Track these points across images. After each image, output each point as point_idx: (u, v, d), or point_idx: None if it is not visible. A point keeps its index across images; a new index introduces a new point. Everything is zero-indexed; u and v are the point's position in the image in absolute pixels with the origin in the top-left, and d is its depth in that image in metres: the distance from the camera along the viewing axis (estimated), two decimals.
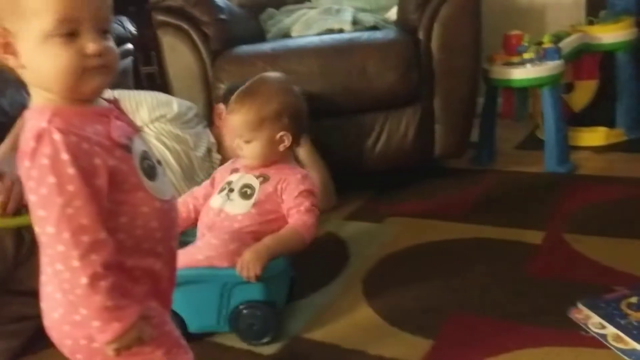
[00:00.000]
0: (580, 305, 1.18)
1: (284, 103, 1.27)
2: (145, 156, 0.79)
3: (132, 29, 2.49)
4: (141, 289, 0.77)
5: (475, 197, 1.87)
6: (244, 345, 1.22)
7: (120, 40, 2.43)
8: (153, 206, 0.78)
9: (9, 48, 0.71)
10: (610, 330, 1.10)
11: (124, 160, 0.75)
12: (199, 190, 1.37)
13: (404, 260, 1.52)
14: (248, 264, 1.15)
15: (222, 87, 1.87)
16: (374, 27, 2.04)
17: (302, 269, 1.50)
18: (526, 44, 1.99)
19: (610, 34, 2.16)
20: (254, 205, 1.24)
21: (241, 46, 1.96)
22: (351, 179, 1.93)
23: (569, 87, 2.32)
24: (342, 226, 1.74)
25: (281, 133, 1.26)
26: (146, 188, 0.77)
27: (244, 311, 1.21)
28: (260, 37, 2.19)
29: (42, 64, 0.71)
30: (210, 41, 1.94)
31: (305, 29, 2.10)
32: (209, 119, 1.83)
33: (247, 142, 1.26)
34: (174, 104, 1.69)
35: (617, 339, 1.08)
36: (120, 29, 2.42)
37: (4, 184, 1.19)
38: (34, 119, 0.71)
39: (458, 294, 1.33)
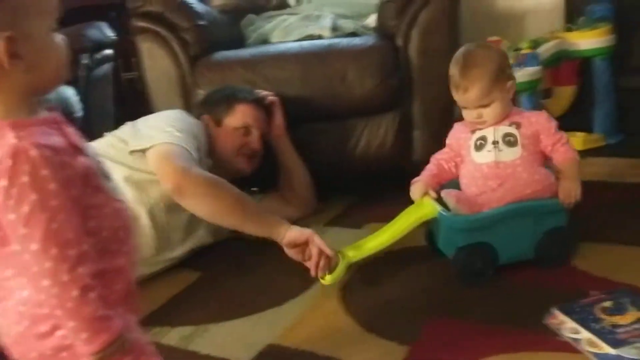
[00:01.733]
0: (555, 311, 1.19)
1: (497, 57, 1.39)
2: (97, 157, 0.81)
3: (110, 34, 2.47)
4: (118, 293, 0.78)
5: None
6: (219, 354, 1.21)
7: (99, 46, 2.42)
8: (114, 206, 0.79)
9: (15, 54, 0.71)
10: (585, 334, 1.10)
11: (87, 165, 0.75)
12: (444, 154, 1.49)
13: (383, 265, 1.51)
14: (570, 192, 1.34)
15: (201, 93, 1.87)
16: (354, 34, 2.05)
17: (281, 275, 1.50)
18: (505, 50, 2.00)
19: (588, 41, 2.18)
20: (522, 148, 1.36)
21: (220, 52, 1.95)
22: (331, 184, 1.93)
23: (548, 93, 2.34)
24: (322, 232, 1.72)
25: (509, 83, 1.38)
26: (106, 189, 0.79)
27: (550, 237, 1.37)
28: (241, 43, 2.18)
29: (51, 57, 0.75)
30: (189, 47, 1.93)
31: (285, 35, 2.10)
32: None
33: (485, 106, 1.36)
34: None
35: (591, 343, 1.08)
36: (99, 34, 2.41)
37: None
38: None
39: (436, 299, 1.33)
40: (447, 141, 1.49)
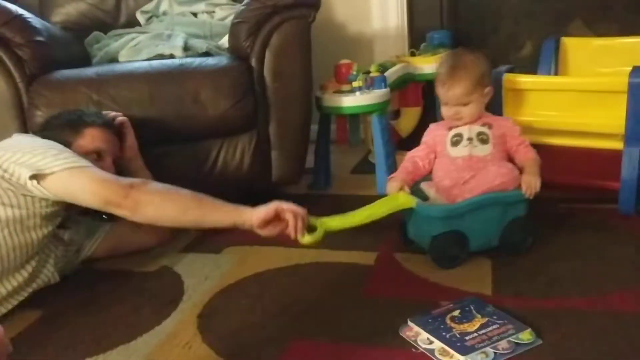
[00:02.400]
0: (410, 323, 1.23)
1: (482, 64, 1.57)
2: None
3: None
4: None
5: None
6: None
7: None
8: None
9: None
10: (437, 344, 1.15)
11: None
12: (419, 151, 1.64)
13: (243, 290, 1.48)
14: (531, 184, 1.49)
15: (40, 115, 1.72)
16: (207, 54, 2.01)
17: (131, 309, 1.41)
18: (355, 73, 2.08)
19: (430, 65, 2.33)
20: (494, 146, 1.55)
21: (62, 71, 1.81)
22: None
23: (397, 114, 2.46)
24: (178, 259, 1.66)
25: (487, 89, 1.56)
26: None
27: (512, 225, 1.52)
28: (85, 62, 2.05)
29: None
30: (25, 64, 1.77)
31: (134, 54, 2.01)
32: None
33: (465, 105, 1.54)
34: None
35: (443, 352, 1.13)
36: None
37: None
38: None
39: (297, 321, 1.32)
40: (424, 139, 1.65)
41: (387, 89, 2.05)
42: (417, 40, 2.57)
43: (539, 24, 2.64)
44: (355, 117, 2.24)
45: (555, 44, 2.24)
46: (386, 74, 2.11)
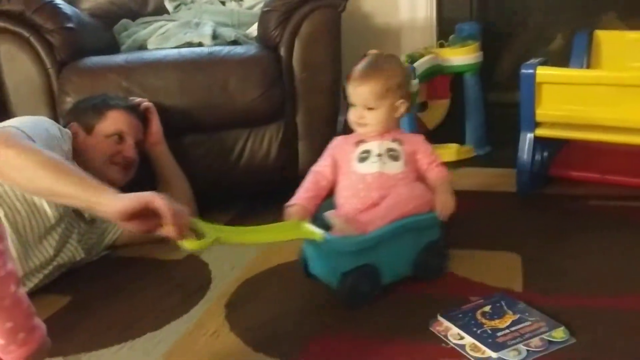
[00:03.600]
0: (440, 318, 1.21)
1: (400, 74, 1.43)
2: None
3: None
4: None
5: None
6: None
7: None
8: None
9: None
10: (468, 340, 1.14)
11: None
12: (323, 166, 1.47)
13: (269, 280, 1.47)
14: (446, 206, 1.38)
15: (69, 101, 1.73)
16: (235, 42, 2.00)
17: (158, 297, 1.41)
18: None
19: (458, 57, 2.30)
20: (405, 163, 1.41)
21: (91, 57, 1.82)
22: (213, 198, 1.86)
23: (424, 106, 2.43)
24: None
25: (401, 101, 1.40)
26: None
27: (425, 252, 1.39)
28: (113, 49, 2.05)
29: None
30: (55, 51, 1.78)
31: (162, 41, 2.01)
32: None
33: (371, 109, 1.39)
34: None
35: (475, 348, 1.12)
36: None
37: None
38: None
39: (324, 313, 1.31)
40: (329, 151, 1.48)
41: (416, 81, 2.03)
42: (445, 32, 2.53)
43: (569, 17, 2.58)
44: None
45: (587, 37, 2.19)
46: (415, 65, 2.08)
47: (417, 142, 1.46)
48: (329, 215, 1.37)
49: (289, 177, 1.92)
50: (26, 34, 1.76)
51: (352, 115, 1.42)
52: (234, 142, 1.83)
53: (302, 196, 1.41)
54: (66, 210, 1.50)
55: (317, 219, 1.37)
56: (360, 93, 1.39)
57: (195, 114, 1.75)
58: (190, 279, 1.50)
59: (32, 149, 1.22)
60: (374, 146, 1.40)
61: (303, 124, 1.87)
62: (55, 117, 1.75)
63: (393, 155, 1.40)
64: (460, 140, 2.38)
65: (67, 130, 1.58)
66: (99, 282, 1.51)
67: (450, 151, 2.32)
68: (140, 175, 1.68)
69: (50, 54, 1.78)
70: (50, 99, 1.78)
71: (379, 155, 1.39)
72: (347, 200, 1.40)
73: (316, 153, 1.90)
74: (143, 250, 1.65)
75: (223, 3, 2.28)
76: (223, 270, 1.52)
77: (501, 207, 1.84)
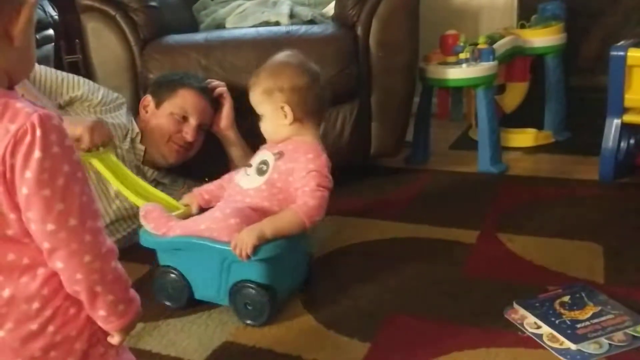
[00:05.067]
0: (516, 305, 1.18)
1: (285, 76, 1.27)
2: None
3: (53, 13, 2.33)
4: None
5: (411, 196, 1.86)
6: (171, 352, 1.15)
7: (40, 26, 2.28)
8: None
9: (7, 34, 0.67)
10: (545, 329, 1.11)
11: None
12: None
13: (340, 260, 1.48)
14: (241, 243, 1.15)
15: (152, 78, 1.78)
16: (311, 21, 2.00)
17: None
18: (462, 44, 2.01)
19: (540, 38, 2.21)
20: (266, 181, 1.25)
21: (172, 35, 1.87)
22: None
23: (501, 89, 2.36)
24: None
25: (281, 104, 1.25)
26: None
27: (241, 290, 1.21)
28: (193, 27, 2.10)
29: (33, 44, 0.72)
30: (139, 29, 1.84)
31: (240, 20, 2.03)
32: (136, 109, 1.72)
33: (260, 117, 1.31)
34: (100, 91, 1.64)
35: (552, 338, 1.08)
36: (41, 13, 2.26)
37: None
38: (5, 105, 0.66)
39: (394, 295, 1.30)
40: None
41: (495, 62, 1.97)
42: (527, 12, 2.43)
43: None
44: (459, 91, 2.17)
45: None
46: (494, 46, 2.02)
47: (300, 159, 1.23)
48: (144, 207, 1.30)
49: (361, 158, 1.92)
50: (112, 12, 1.82)
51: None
52: None
53: (205, 186, 1.39)
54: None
55: None
56: (251, 99, 1.31)
57: None
58: None
59: None
60: (258, 155, 1.32)
61: (377, 104, 1.86)
62: (137, 92, 1.81)
63: (261, 169, 1.26)
64: (539, 125, 2.30)
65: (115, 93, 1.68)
66: None
67: (528, 136, 2.24)
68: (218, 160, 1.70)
69: (134, 32, 1.83)
70: (134, 75, 1.84)
71: (249, 165, 1.30)
72: (218, 206, 1.30)
73: (389, 134, 1.90)
74: None
75: None
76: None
77: (581, 195, 1.77)
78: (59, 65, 2.66)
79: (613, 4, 2.51)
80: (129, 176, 1.44)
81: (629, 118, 1.76)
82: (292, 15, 1.99)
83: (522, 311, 1.17)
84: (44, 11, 2.29)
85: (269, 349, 1.14)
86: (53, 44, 2.42)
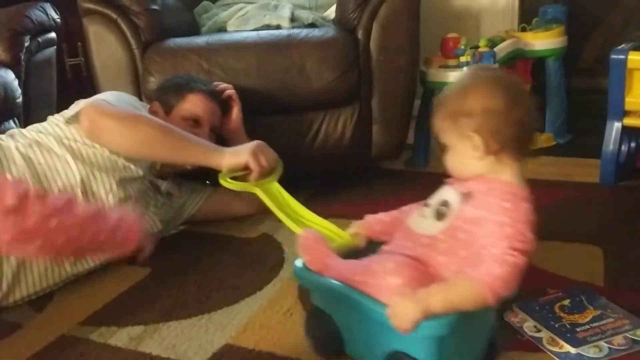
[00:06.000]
0: (515, 309, 1.18)
1: (475, 97, 0.98)
2: None
3: (55, 16, 2.34)
4: None
5: (412, 199, 1.84)
6: (171, 355, 1.15)
7: (43, 29, 2.29)
8: None
9: None
10: (545, 333, 1.11)
11: None
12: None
13: None
14: (401, 313, 0.90)
15: (153, 81, 1.79)
16: (313, 25, 2.01)
17: (234, 273, 1.45)
18: (463, 47, 2.01)
19: (541, 41, 2.21)
20: (445, 229, 0.97)
21: (174, 39, 1.87)
22: (287, 179, 1.88)
23: None
24: (278, 227, 1.68)
25: (470, 133, 0.97)
26: None
27: None
28: (195, 31, 2.11)
29: None
30: (140, 32, 1.84)
31: (242, 23, 2.04)
32: None
33: (444, 148, 1.04)
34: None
35: (552, 342, 1.08)
36: (43, 16, 2.27)
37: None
38: None
39: None
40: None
41: (496, 65, 1.97)
42: (528, 15, 2.44)
43: None
44: None
45: None
46: (495, 49, 2.02)
47: (493, 207, 0.94)
48: (303, 233, 1.11)
49: (362, 160, 1.93)
50: (114, 15, 1.83)
51: None
52: (310, 124, 1.84)
53: (378, 216, 1.18)
54: (143, 181, 1.57)
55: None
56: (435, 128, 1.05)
57: (272, 95, 1.77)
58: (264, 256, 1.53)
59: (133, 115, 1.41)
60: (440, 192, 1.06)
61: (378, 107, 1.86)
62: (139, 96, 1.82)
63: (440, 212, 1.01)
64: (540, 128, 2.29)
65: (147, 106, 1.65)
66: (177, 256, 1.57)
67: None
68: None
69: (136, 35, 1.84)
70: (135, 78, 1.85)
71: (427, 205, 1.05)
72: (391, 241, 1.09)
73: (390, 137, 1.91)
74: (219, 227, 1.69)
75: None
76: (296, 250, 1.54)
77: (582, 198, 1.77)
78: (61, 68, 2.68)
79: (613, 7, 2.52)
80: (291, 202, 1.36)
81: (629, 121, 1.76)
82: (293, 19, 2.00)
83: (522, 314, 1.17)
84: (46, 14, 2.30)
85: (270, 352, 1.14)
86: (55, 47, 2.43)
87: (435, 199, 1.04)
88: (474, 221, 0.95)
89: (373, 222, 1.17)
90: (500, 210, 0.94)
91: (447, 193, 1.03)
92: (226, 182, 1.39)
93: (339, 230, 1.22)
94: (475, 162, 0.99)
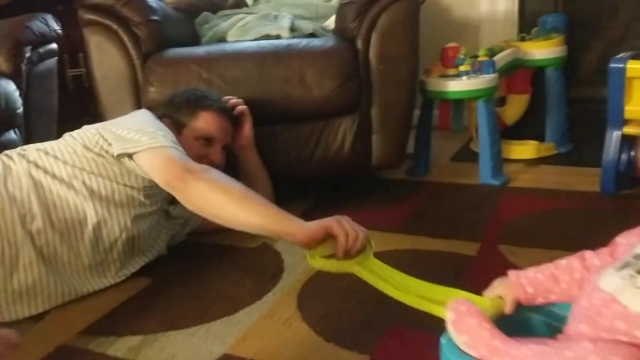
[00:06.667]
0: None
1: None
2: None
3: (57, 27, 2.36)
4: None
5: (412, 208, 1.86)
6: None
7: (44, 40, 2.30)
8: None
9: None
10: None
11: None
12: (592, 258, 0.94)
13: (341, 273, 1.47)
14: None
15: (153, 91, 1.79)
16: (313, 35, 2.01)
17: (232, 283, 1.44)
18: (462, 57, 2.02)
19: (541, 51, 2.22)
20: None
21: (174, 49, 1.88)
22: (288, 188, 1.89)
23: (503, 101, 2.37)
24: (275, 239, 1.69)
25: None
26: None
27: None
28: (195, 41, 2.12)
29: None
30: (141, 43, 1.85)
31: (242, 34, 2.05)
32: None
33: None
34: None
35: None
36: (44, 27, 2.28)
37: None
38: None
39: (395, 307, 1.28)
40: (617, 238, 0.93)
41: (496, 75, 1.98)
42: (527, 24, 2.45)
43: None
44: (460, 103, 2.18)
45: None
46: (495, 58, 2.03)
47: None
48: (454, 303, 0.89)
49: (362, 170, 1.93)
50: (115, 26, 1.84)
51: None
52: (310, 134, 1.84)
53: (529, 274, 0.96)
54: (156, 214, 1.56)
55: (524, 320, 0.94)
56: None
57: (273, 105, 1.78)
58: (264, 266, 1.53)
59: (220, 182, 1.30)
60: None
61: (378, 117, 1.86)
62: (138, 107, 1.83)
63: None
64: (541, 137, 2.30)
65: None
66: (178, 266, 1.56)
67: (530, 148, 2.25)
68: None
69: (136, 46, 1.85)
70: (135, 88, 1.85)
71: (628, 266, 0.79)
72: (572, 311, 0.85)
73: (390, 146, 1.91)
74: (219, 237, 1.69)
75: None
76: (296, 259, 1.54)
77: (583, 207, 1.76)
78: (62, 79, 2.70)
79: (613, 16, 2.53)
80: (397, 276, 1.15)
81: (629, 130, 1.76)
82: (293, 29, 2.01)
83: None
84: (47, 25, 2.31)
85: None
86: (56, 57, 2.44)
87: None
88: None
89: (524, 281, 0.95)
90: None
91: None
92: (317, 262, 1.15)
93: (472, 296, 0.98)
94: None
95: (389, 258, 1.51)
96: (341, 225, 1.15)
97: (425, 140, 2.17)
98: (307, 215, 1.81)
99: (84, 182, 1.41)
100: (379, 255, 1.53)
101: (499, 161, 2.03)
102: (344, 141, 1.84)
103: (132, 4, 1.84)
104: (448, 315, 0.87)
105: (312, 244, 1.16)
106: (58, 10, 2.61)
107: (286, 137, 1.83)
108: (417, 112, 2.08)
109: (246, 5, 2.32)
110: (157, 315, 1.32)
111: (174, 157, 1.36)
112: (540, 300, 0.94)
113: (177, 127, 1.61)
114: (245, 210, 1.24)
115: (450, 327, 0.86)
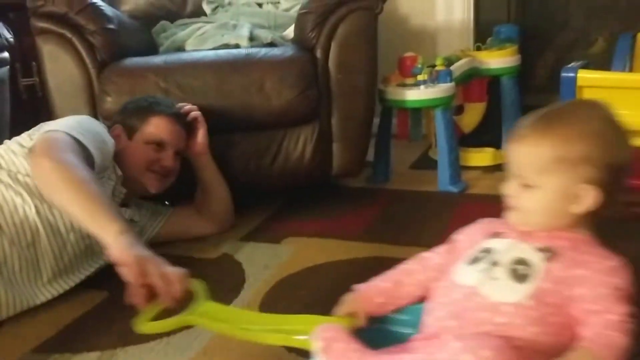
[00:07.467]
0: None
1: (600, 145, 0.85)
2: None
3: (8, 35, 2.29)
4: None
5: (372, 216, 1.87)
6: None
7: None
8: None
9: None
10: None
11: None
12: (431, 257, 1.01)
13: (303, 281, 1.47)
14: None
15: (109, 101, 1.76)
16: (271, 44, 2.01)
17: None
18: (420, 66, 2.05)
19: (496, 60, 2.27)
20: (533, 294, 0.80)
21: (131, 58, 1.85)
22: (247, 198, 1.88)
23: (460, 109, 2.41)
24: (239, 247, 1.68)
25: (582, 186, 0.85)
26: None
27: None
28: (153, 50, 2.09)
29: None
30: (96, 51, 1.82)
31: (200, 43, 2.03)
32: None
33: (528, 187, 0.88)
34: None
35: None
36: None
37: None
38: None
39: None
40: (454, 235, 1.01)
41: (453, 84, 2.01)
42: (483, 34, 2.51)
43: (611, 19, 2.53)
44: (418, 111, 2.21)
45: (631, 40, 2.14)
46: (452, 68, 2.06)
47: (594, 267, 0.82)
48: (321, 330, 0.89)
49: (322, 178, 1.93)
50: (69, 34, 1.80)
51: (506, 188, 0.93)
52: (269, 143, 1.84)
53: (376, 283, 1.00)
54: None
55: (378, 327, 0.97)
56: (516, 158, 0.90)
57: (231, 114, 1.77)
58: (225, 277, 1.51)
59: (65, 165, 1.27)
60: (500, 246, 0.88)
61: (338, 125, 1.87)
62: (95, 116, 1.79)
63: (519, 273, 0.83)
64: (498, 144, 2.34)
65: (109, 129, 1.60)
66: None
67: (487, 155, 2.29)
68: (179, 181, 1.69)
69: (92, 55, 1.81)
70: (91, 98, 1.82)
71: (494, 264, 0.85)
72: (431, 310, 0.90)
73: (350, 154, 1.92)
74: (178, 249, 1.67)
75: (260, 5, 2.30)
76: (257, 269, 1.53)
77: None
78: (14, 89, 2.62)
79: (563, 27, 2.61)
80: (244, 315, 1.14)
81: None
82: (252, 38, 2.01)
83: None
84: None
85: None
86: (8, 66, 2.37)
87: (493, 254, 0.87)
88: (566, 282, 0.81)
89: (371, 293, 0.99)
90: (604, 270, 0.81)
91: (516, 247, 0.87)
92: (145, 327, 1.05)
93: (328, 318, 0.99)
94: (563, 216, 0.87)
95: (350, 266, 1.53)
96: (156, 267, 1.09)
97: (385, 148, 2.19)
98: (268, 225, 1.81)
99: (22, 185, 1.38)
100: (339, 264, 1.54)
101: (457, 168, 2.06)
102: (304, 150, 1.84)
103: (87, 12, 1.80)
104: (317, 344, 0.87)
105: (121, 269, 1.09)
106: (9, 17, 2.54)
107: (246, 146, 1.82)
108: (376, 121, 2.09)
109: (204, 14, 2.30)
110: (115, 330, 1.29)
111: (59, 138, 1.35)
112: (390, 307, 0.97)
113: (128, 133, 1.60)
114: (72, 200, 1.23)
115: (321, 356, 0.86)
